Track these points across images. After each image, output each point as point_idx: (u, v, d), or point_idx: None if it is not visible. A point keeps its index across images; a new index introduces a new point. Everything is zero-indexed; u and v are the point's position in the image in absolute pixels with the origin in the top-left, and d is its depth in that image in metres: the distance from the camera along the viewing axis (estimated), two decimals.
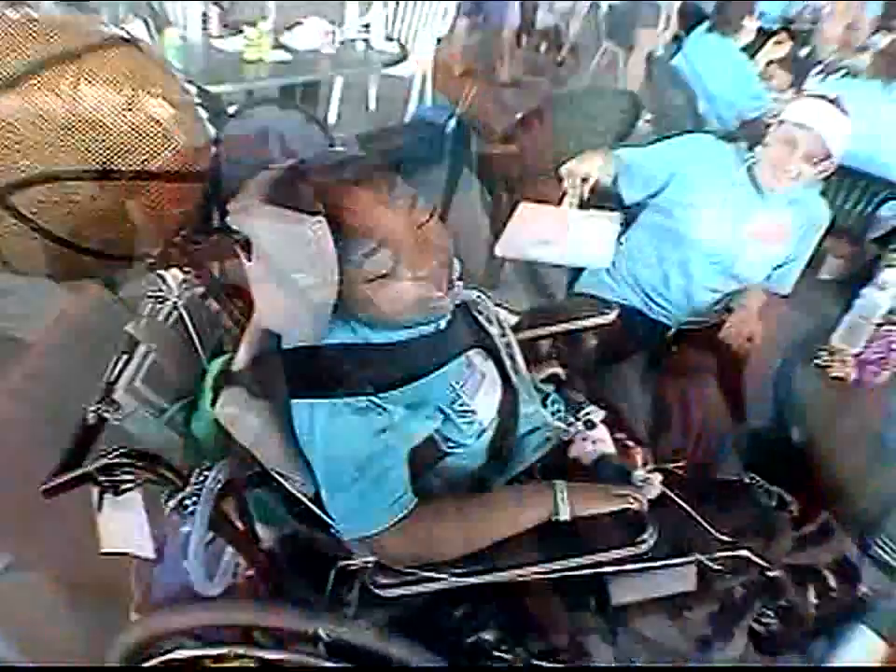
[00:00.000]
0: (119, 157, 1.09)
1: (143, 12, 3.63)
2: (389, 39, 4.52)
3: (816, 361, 1.98)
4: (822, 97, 2.15)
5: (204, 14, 3.93)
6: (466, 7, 6.74)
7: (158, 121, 1.13)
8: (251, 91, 4.07)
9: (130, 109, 1.09)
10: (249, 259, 1.15)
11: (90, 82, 1.06)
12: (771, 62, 4.77)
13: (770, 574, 1.48)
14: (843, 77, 4.08)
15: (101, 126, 1.07)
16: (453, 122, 4.45)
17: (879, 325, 1.97)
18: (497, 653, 1.47)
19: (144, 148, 1.11)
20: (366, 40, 4.39)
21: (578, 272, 2.58)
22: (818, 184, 2.34)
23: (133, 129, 1.10)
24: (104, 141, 1.08)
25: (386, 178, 1.19)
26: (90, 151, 1.07)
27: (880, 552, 1.54)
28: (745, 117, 4.29)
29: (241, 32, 3.84)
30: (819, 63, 4.77)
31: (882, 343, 1.93)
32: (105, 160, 1.08)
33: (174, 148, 1.15)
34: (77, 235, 1.13)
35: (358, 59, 4.36)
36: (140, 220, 1.16)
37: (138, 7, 3.67)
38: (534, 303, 2.23)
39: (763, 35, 4.70)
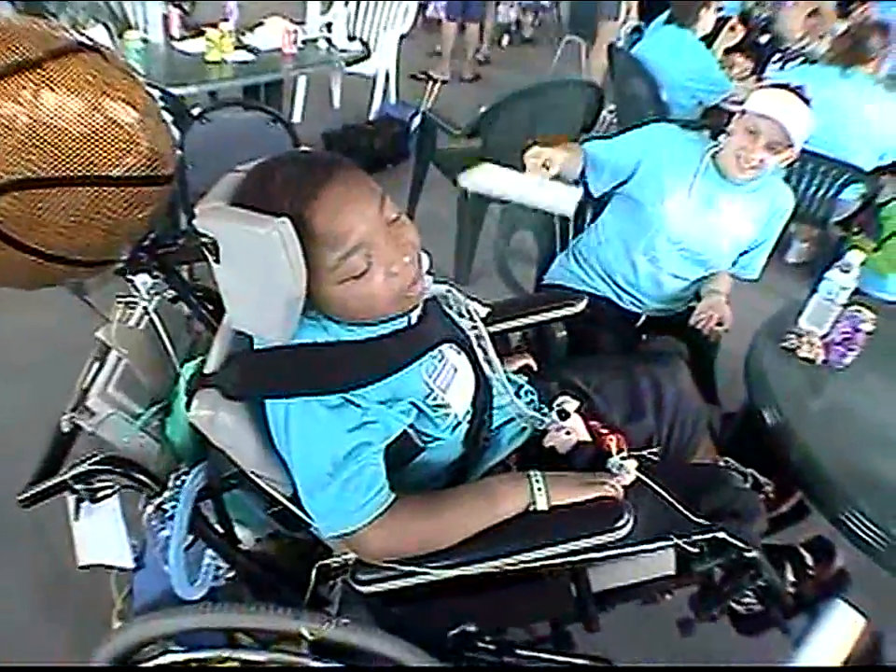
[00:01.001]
0: (83, 163, 1.09)
1: (103, 16, 3.60)
2: (351, 38, 4.51)
3: (784, 344, 2.01)
4: (784, 86, 2.18)
5: (165, 16, 3.91)
6: (451, 7, 6.80)
7: (122, 126, 1.12)
8: (214, 92, 4.06)
9: (93, 115, 1.08)
10: (217, 262, 1.15)
11: (51, 89, 1.06)
12: (729, 49, 4.83)
13: (748, 555, 1.50)
14: (801, 63, 4.14)
15: (64, 133, 1.06)
16: (417, 119, 4.46)
17: (845, 306, 2.00)
18: (481, 644, 1.48)
19: (108, 154, 1.11)
20: (328, 39, 4.39)
21: (547, 264, 2.60)
22: (781, 171, 2.37)
23: (96, 134, 1.09)
24: (68, 148, 1.07)
25: (355, 177, 1.19)
26: (54, 158, 1.06)
27: (855, 529, 1.57)
28: (707, 104, 4.34)
29: (202, 33, 3.82)
30: (780, 50, 4.83)
31: (847, 324, 1.96)
32: (69, 166, 1.08)
33: (138, 153, 1.14)
34: (45, 243, 1.12)
35: (321, 58, 4.35)
36: (107, 226, 1.15)
37: (97, 10, 3.64)
38: (503, 296, 2.23)
39: (721, 24, 4.77)
